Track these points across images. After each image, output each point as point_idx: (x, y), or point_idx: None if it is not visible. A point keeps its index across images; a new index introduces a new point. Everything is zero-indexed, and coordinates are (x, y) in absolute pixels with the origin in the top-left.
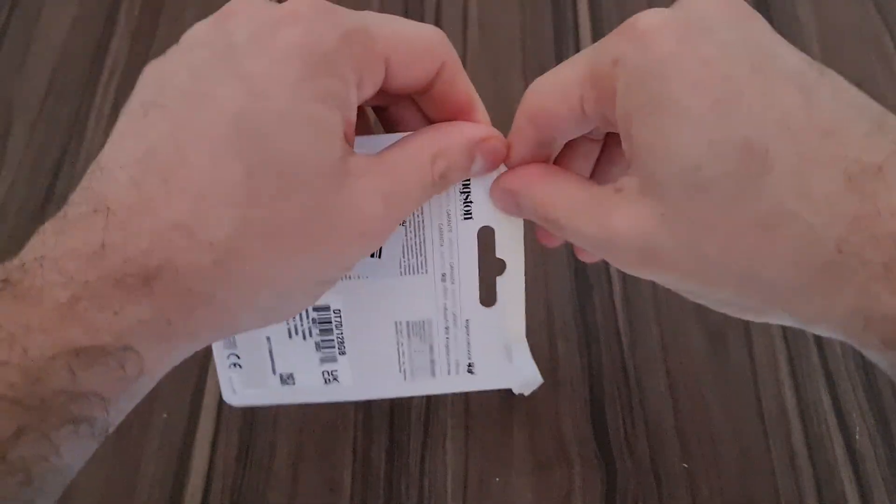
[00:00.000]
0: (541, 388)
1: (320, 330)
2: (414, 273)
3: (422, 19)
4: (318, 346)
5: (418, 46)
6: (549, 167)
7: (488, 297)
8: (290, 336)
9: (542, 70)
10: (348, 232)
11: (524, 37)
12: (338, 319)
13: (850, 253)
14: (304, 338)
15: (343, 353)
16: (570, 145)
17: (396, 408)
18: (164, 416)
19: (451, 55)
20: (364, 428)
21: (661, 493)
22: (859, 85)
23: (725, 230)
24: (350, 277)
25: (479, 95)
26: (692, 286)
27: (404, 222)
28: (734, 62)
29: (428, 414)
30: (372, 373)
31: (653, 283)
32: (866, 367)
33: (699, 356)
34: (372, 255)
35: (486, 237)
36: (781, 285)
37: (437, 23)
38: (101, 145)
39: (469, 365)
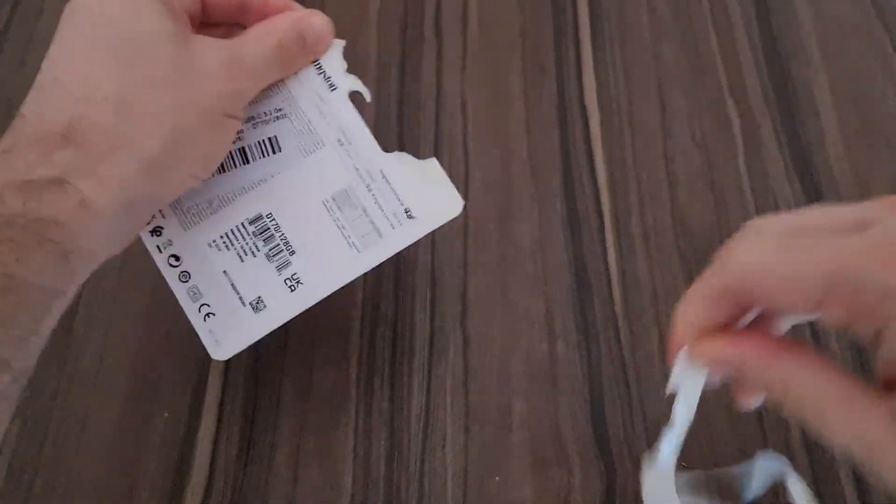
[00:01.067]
0: (541, 388)
1: (263, 240)
2: (314, 150)
3: (422, 19)
4: (268, 257)
5: None
6: (773, 340)
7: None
8: (241, 260)
9: (542, 70)
10: (207, 74)
11: (524, 36)
12: (273, 223)
13: None
14: (254, 254)
15: (293, 253)
16: None
17: (396, 408)
18: (166, 415)
19: None
20: (364, 428)
21: None
22: (859, 85)
23: None
24: (266, 180)
25: (478, 95)
26: None
27: (283, 113)
28: None
29: (427, 414)
30: (327, 261)
31: (653, 283)
32: (865, 367)
33: None
34: (274, 152)
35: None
36: None
37: (437, 23)
38: None
39: (406, 211)
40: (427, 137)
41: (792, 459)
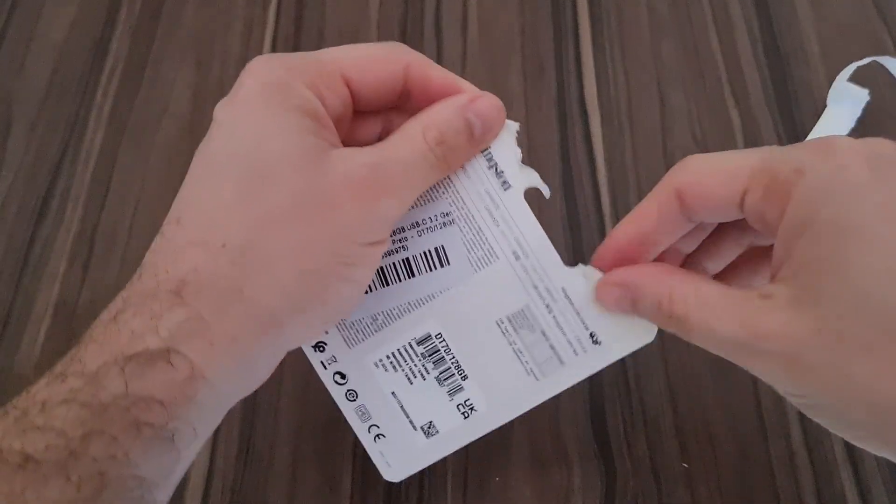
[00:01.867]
0: None
1: (433, 362)
2: (486, 265)
3: (422, 19)
4: (439, 381)
5: (372, 56)
6: (670, 266)
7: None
8: (410, 382)
9: (542, 70)
10: (338, 200)
11: (523, 37)
12: (443, 344)
13: None
14: (423, 377)
15: (465, 378)
16: (707, 243)
17: None
18: None
19: (412, 55)
20: None
21: (660, 493)
22: (859, 84)
23: (886, 357)
24: (434, 296)
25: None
26: (827, 400)
27: (451, 217)
28: None
29: None
30: (503, 387)
31: None
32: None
33: (699, 356)
34: (441, 265)
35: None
36: None
37: (437, 23)
38: (101, 145)
39: (592, 335)
40: None
41: (791, 459)
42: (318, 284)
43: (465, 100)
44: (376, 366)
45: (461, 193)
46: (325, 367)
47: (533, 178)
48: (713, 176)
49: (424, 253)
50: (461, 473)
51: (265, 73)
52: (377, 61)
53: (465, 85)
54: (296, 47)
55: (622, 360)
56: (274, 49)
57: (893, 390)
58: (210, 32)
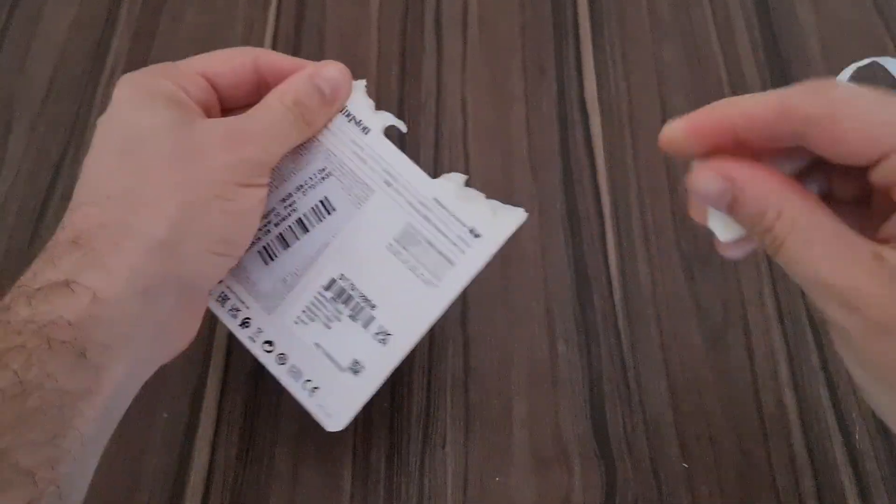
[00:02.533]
0: (541, 388)
1: (343, 302)
2: (365, 200)
3: (422, 19)
4: (352, 318)
5: (223, 53)
6: (785, 176)
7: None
8: (328, 328)
9: (542, 70)
10: (207, 150)
11: (524, 37)
12: (347, 283)
13: None
14: (339, 319)
15: (374, 307)
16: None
17: (396, 408)
18: (165, 415)
19: (259, 50)
20: (364, 428)
21: (661, 493)
22: (859, 84)
23: None
24: (328, 243)
25: (478, 95)
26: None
27: (327, 171)
28: None
29: (428, 414)
30: (409, 304)
31: (652, 283)
32: None
33: (699, 356)
34: (329, 213)
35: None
36: None
37: (437, 22)
38: None
39: (471, 231)
40: (427, 137)
41: (793, 460)
42: (200, 212)
43: (314, 69)
44: (296, 323)
45: (331, 148)
46: (254, 341)
47: (388, 118)
48: (856, 129)
49: (312, 208)
50: (461, 473)
51: (129, 81)
52: (227, 56)
53: (310, 63)
54: (296, 47)
55: (622, 361)
56: (274, 49)
57: None
58: (211, 32)
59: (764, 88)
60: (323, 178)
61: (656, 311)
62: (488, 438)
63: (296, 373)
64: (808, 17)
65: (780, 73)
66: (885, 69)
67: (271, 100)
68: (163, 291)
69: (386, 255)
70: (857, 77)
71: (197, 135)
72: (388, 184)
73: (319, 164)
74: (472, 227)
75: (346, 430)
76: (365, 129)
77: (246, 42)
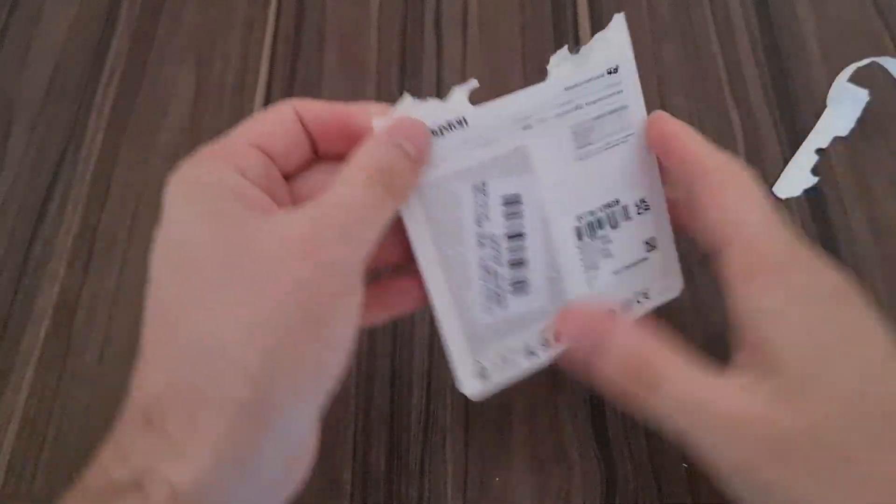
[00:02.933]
0: (541, 387)
1: (605, 226)
2: (528, 157)
3: (422, 19)
4: (626, 218)
5: (261, 114)
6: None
7: None
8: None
9: (542, 70)
10: (279, 266)
11: (524, 37)
12: (593, 216)
13: None
14: (611, 241)
15: (618, 202)
16: None
17: (396, 408)
18: None
19: (296, 101)
20: (364, 428)
21: (661, 493)
22: (860, 84)
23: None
24: (545, 216)
25: (479, 96)
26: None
27: (478, 180)
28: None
29: (428, 414)
30: (631, 173)
31: None
32: None
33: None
34: (520, 203)
35: None
36: None
37: (437, 22)
38: (101, 145)
39: (609, 72)
40: None
41: None
42: (284, 353)
43: (385, 130)
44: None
45: (461, 168)
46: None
47: (457, 95)
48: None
49: (506, 216)
50: (461, 473)
51: (180, 179)
52: (272, 117)
53: (354, 107)
54: (296, 47)
55: None
56: (274, 49)
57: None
58: (210, 32)
59: (763, 88)
60: (484, 190)
61: (656, 311)
62: (488, 438)
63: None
64: (808, 17)
65: (779, 74)
66: (885, 69)
67: (350, 174)
68: (257, 456)
69: (580, 163)
70: (858, 77)
71: (265, 243)
72: (526, 127)
73: (467, 187)
74: (603, 70)
75: (347, 430)
76: (461, 122)
77: (245, 42)
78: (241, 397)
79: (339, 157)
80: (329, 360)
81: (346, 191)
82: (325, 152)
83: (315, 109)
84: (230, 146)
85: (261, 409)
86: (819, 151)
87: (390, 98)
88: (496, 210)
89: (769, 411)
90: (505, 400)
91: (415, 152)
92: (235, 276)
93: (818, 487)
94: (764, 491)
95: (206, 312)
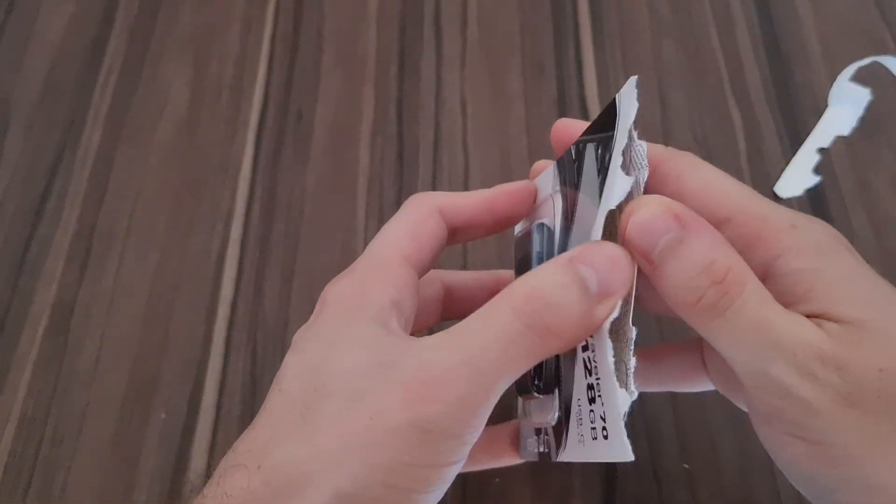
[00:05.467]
0: None
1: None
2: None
3: (421, 18)
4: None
5: (419, 224)
6: None
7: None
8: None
9: (542, 69)
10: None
11: (523, 36)
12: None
13: None
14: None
15: None
16: None
17: None
18: (163, 415)
19: (443, 272)
20: None
21: (661, 493)
22: (860, 83)
23: None
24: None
25: (478, 94)
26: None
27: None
28: None
29: None
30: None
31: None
32: None
33: None
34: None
35: None
36: None
37: (436, 22)
38: (98, 145)
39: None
40: (427, 137)
41: None
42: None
43: (572, 254)
44: None
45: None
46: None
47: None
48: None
49: None
50: (460, 474)
51: (341, 293)
52: (412, 214)
53: (504, 272)
54: (294, 46)
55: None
56: (272, 48)
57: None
58: (208, 31)
59: (764, 87)
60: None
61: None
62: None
63: None
64: (808, 15)
65: (780, 72)
66: (886, 69)
67: (498, 301)
68: None
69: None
70: (859, 76)
71: (392, 376)
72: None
73: None
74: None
75: None
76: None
77: (243, 41)
78: (343, 485)
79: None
80: (429, 478)
81: (482, 322)
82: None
83: (460, 277)
84: (386, 263)
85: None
86: (820, 150)
87: (389, 97)
88: None
89: (844, 351)
90: (505, 400)
91: (597, 288)
92: (356, 412)
93: (888, 432)
94: (833, 431)
95: (305, 436)
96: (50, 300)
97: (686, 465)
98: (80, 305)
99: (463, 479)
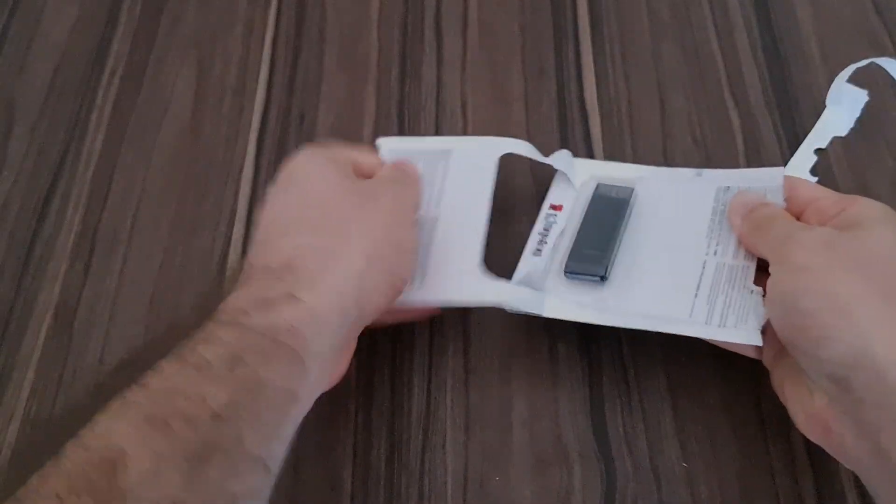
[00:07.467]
0: (541, 387)
1: None
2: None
3: (422, 20)
4: None
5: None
6: None
7: None
8: None
9: (542, 71)
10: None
11: (524, 38)
12: None
13: None
14: None
15: None
16: None
17: (396, 408)
18: None
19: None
20: (364, 428)
21: (661, 493)
22: (859, 85)
23: None
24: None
25: (478, 95)
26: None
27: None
28: None
29: (427, 414)
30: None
31: None
32: None
33: (699, 356)
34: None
35: None
36: None
37: (437, 23)
38: (102, 146)
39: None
40: None
41: (793, 460)
42: (388, 248)
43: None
44: None
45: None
46: None
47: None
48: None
49: None
50: (461, 473)
51: (311, 149)
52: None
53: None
54: (296, 48)
55: (622, 360)
56: (275, 50)
57: None
58: (211, 33)
59: (763, 89)
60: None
61: None
62: (488, 438)
63: None
64: (807, 17)
65: (779, 74)
66: (885, 70)
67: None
68: (348, 317)
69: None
70: (857, 77)
71: (366, 182)
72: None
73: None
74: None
75: (347, 429)
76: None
77: (246, 43)
78: (358, 265)
79: None
80: (405, 263)
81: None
82: None
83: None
84: (340, 146)
85: (364, 280)
86: (818, 151)
87: (390, 97)
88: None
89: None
90: (505, 400)
91: None
92: (354, 203)
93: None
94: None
95: (336, 215)
96: (54, 300)
97: (686, 465)
98: (84, 305)
99: (463, 479)
